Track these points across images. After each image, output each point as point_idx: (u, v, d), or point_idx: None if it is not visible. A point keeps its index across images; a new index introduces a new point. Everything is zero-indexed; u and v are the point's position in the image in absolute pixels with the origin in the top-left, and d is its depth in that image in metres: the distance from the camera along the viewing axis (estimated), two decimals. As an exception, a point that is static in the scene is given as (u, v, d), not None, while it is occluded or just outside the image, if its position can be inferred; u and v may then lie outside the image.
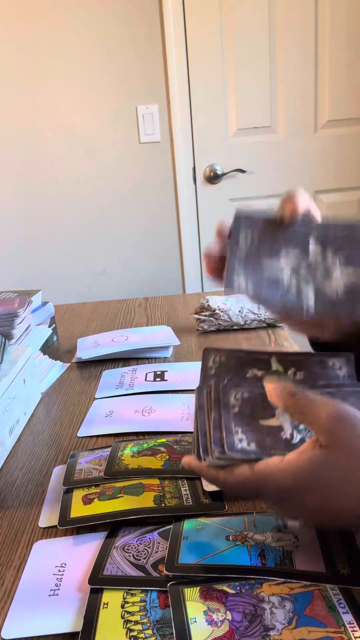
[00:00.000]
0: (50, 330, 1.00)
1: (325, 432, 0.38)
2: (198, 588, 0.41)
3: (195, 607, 0.39)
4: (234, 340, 0.97)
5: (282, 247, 0.46)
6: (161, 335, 0.99)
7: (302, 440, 0.41)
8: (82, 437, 0.69)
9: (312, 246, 0.46)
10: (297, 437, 0.42)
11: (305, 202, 0.47)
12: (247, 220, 0.47)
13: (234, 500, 0.52)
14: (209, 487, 0.53)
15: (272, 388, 0.43)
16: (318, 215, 0.48)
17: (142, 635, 0.38)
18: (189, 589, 0.41)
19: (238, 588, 0.41)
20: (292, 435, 0.42)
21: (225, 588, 0.41)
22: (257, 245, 0.46)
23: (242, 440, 0.41)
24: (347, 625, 0.37)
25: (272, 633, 0.37)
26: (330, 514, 0.40)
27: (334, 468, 0.37)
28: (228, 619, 0.38)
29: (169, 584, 0.41)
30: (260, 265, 0.46)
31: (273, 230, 0.46)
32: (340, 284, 0.44)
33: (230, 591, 0.40)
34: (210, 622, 0.38)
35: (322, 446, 0.38)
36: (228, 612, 0.39)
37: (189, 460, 0.46)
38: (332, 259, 0.45)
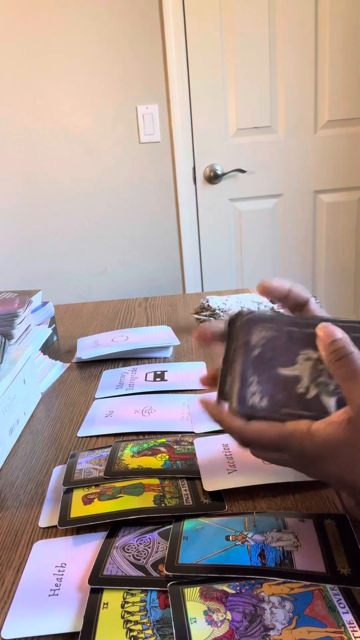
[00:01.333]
0: (50, 330, 0.99)
1: (358, 406, 0.37)
2: (198, 588, 0.41)
3: (195, 607, 0.39)
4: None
5: (300, 348, 0.42)
6: (161, 335, 0.99)
7: (316, 397, 0.40)
8: (82, 437, 0.69)
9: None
10: (312, 392, 0.40)
11: (284, 286, 0.46)
12: (256, 319, 0.42)
13: (250, 450, 0.47)
14: (209, 487, 0.53)
15: (323, 334, 0.40)
16: (306, 294, 0.46)
17: (142, 635, 0.38)
18: (189, 589, 0.41)
19: (238, 588, 0.41)
20: (307, 388, 0.40)
21: (225, 588, 0.41)
22: (272, 346, 0.42)
23: (254, 394, 0.40)
24: (347, 625, 0.37)
25: (272, 633, 0.37)
26: (349, 485, 0.41)
27: (358, 447, 0.38)
28: (228, 619, 0.38)
29: (169, 584, 0.41)
30: (275, 375, 0.41)
31: (289, 325, 0.42)
32: None
33: (230, 591, 0.40)
34: (210, 622, 0.38)
35: (351, 422, 0.38)
36: (228, 612, 0.39)
37: (207, 401, 0.45)
38: None
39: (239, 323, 0.43)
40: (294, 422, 0.40)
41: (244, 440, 0.42)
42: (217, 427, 0.64)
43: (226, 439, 0.62)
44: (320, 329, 0.40)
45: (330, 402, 0.40)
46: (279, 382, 0.40)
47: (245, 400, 0.40)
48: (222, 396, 0.43)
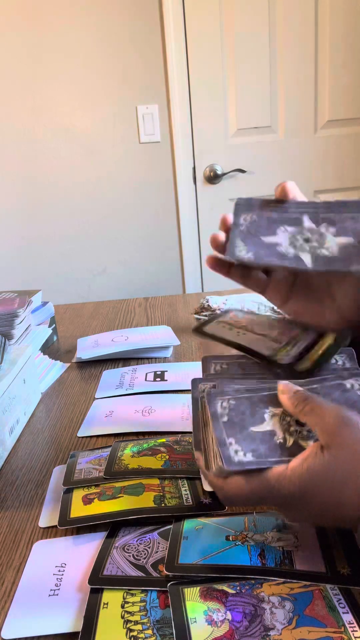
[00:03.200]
0: (50, 330, 1.00)
1: (330, 433, 0.39)
2: (198, 588, 0.41)
3: (195, 607, 0.39)
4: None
5: (279, 225, 0.49)
6: (161, 335, 0.99)
7: (295, 443, 0.42)
8: (82, 437, 0.69)
9: (307, 223, 0.49)
10: (290, 440, 0.42)
11: (294, 188, 0.51)
12: (245, 205, 0.51)
13: (233, 506, 0.51)
14: (209, 487, 0.53)
15: (284, 389, 0.44)
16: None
17: (142, 635, 0.38)
18: (189, 589, 0.41)
19: (238, 588, 0.41)
20: (285, 438, 0.42)
21: (225, 588, 0.41)
22: (256, 224, 0.50)
23: (237, 452, 0.41)
24: (347, 625, 0.37)
25: (272, 633, 0.37)
26: (334, 516, 0.40)
27: (337, 470, 0.38)
28: (228, 619, 0.38)
29: (169, 584, 0.41)
30: (260, 239, 0.49)
31: (270, 211, 0.50)
32: (335, 248, 0.47)
33: (230, 591, 0.40)
34: (210, 622, 0.38)
35: (325, 449, 0.38)
36: (228, 612, 0.39)
37: (200, 460, 0.46)
38: (325, 231, 0.48)
39: (203, 397, 0.47)
40: (270, 469, 0.40)
41: (227, 497, 0.43)
42: None
43: None
44: (282, 387, 0.44)
45: (309, 443, 0.41)
46: (256, 438, 0.42)
47: (231, 458, 0.41)
48: (207, 459, 0.45)
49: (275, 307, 1.01)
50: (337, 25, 2.00)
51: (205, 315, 1.02)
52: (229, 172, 2.13)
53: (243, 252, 0.48)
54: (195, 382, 0.50)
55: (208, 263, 0.53)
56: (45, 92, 2.02)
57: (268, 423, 0.43)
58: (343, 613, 0.38)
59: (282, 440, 0.42)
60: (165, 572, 0.42)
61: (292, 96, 2.08)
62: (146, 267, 2.25)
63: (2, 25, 1.95)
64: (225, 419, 0.44)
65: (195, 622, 0.38)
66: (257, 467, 0.40)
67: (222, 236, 0.50)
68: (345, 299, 0.49)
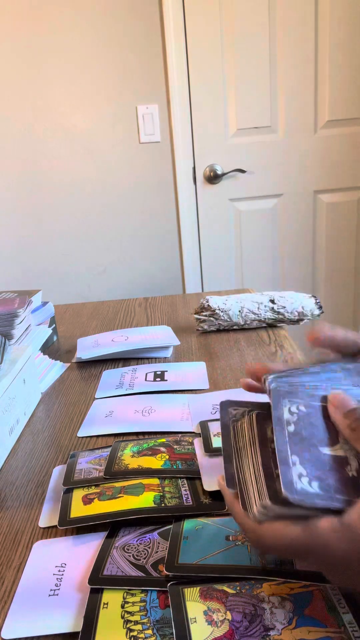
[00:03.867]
0: (50, 330, 1.00)
1: None
2: (198, 588, 0.41)
3: (195, 607, 0.39)
4: (234, 341, 0.97)
5: (336, 429, 0.35)
6: (161, 335, 0.99)
7: None
8: (82, 437, 0.69)
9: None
10: None
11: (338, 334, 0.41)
12: (285, 387, 0.37)
13: (266, 553, 0.42)
14: (209, 487, 0.53)
15: (335, 400, 0.35)
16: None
17: (142, 635, 0.38)
18: (189, 589, 0.41)
19: (238, 588, 0.41)
20: (358, 471, 0.33)
21: (225, 588, 0.41)
22: (306, 427, 0.35)
23: (301, 477, 0.32)
24: (347, 625, 0.37)
25: (272, 633, 0.37)
26: None
27: None
28: (228, 619, 0.38)
29: (169, 584, 0.41)
30: (318, 456, 0.34)
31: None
32: None
33: (230, 591, 0.40)
34: (210, 622, 0.38)
35: None
36: (228, 612, 0.39)
37: (228, 497, 0.38)
38: None
39: (236, 422, 0.38)
40: (315, 519, 0.32)
41: (260, 542, 0.35)
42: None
43: None
44: (332, 397, 0.35)
45: None
46: (325, 463, 0.33)
47: (293, 485, 0.31)
48: (244, 498, 0.35)
49: (276, 307, 1.01)
50: (337, 25, 2.00)
51: (205, 315, 1.02)
52: (229, 172, 2.13)
53: (305, 481, 0.33)
54: (224, 405, 0.41)
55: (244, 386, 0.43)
56: (45, 92, 2.02)
57: (342, 446, 0.34)
58: (343, 613, 0.38)
59: (355, 474, 0.33)
60: (165, 572, 0.42)
61: (292, 96, 2.08)
62: (146, 267, 2.25)
63: (2, 26, 1.95)
64: (291, 428, 0.34)
65: (195, 622, 0.38)
66: (325, 505, 0.31)
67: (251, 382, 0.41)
68: None
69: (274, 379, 0.38)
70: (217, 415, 0.68)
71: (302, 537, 0.32)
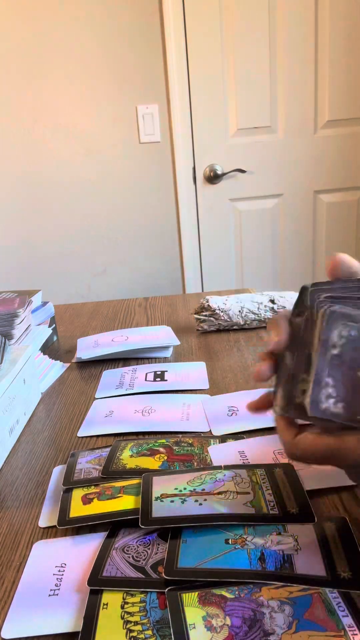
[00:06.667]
0: (50, 330, 0.99)
1: None
2: (197, 593, 0.40)
3: (194, 612, 0.39)
4: (234, 341, 0.97)
5: None
6: (161, 335, 0.99)
7: None
8: (82, 437, 0.69)
9: None
10: None
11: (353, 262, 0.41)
12: (340, 314, 0.36)
13: (299, 462, 0.42)
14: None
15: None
16: None
17: (142, 635, 0.38)
18: (187, 594, 0.40)
19: (237, 592, 0.40)
20: None
21: (224, 592, 0.40)
22: (350, 351, 0.36)
23: (329, 397, 0.34)
24: (347, 629, 0.37)
25: (271, 638, 0.36)
26: None
27: None
28: (227, 625, 0.38)
29: (167, 589, 0.41)
30: (354, 380, 0.36)
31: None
32: None
33: (229, 596, 0.40)
34: (210, 628, 0.38)
35: None
36: (227, 618, 0.38)
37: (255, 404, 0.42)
38: None
39: (321, 313, 0.37)
40: (347, 431, 0.36)
41: (293, 454, 0.39)
42: (233, 430, 0.64)
43: (241, 445, 0.61)
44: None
45: None
46: (358, 387, 0.35)
47: (319, 404, 0.34)
48: (287, 397, 0.38)
49: (276, 307, 1.01)
50: (337, 26, 2.01)
51: (206, 315, 1.02)
52: (229, 172, 2.13)
53: (331, 402, 0.35)
54: (305, 289, 0.40)
55: (250, 409, 0.44)
56: (45, 92, 2.02)
57: None
58: (343, 617, 0.38)
59: None
60: (164, 576, 0.42)
61: (292, 96, 2.08)
62: (146, 267, 2.25)
63: (2, 26, 1.95)
64: (336, 351, 0.35)
65: (194, 628, 0.38)
66: (340, 423, 0.34)
67: (265, 371, 0.41)
68: None
69: (329, 300, 0.38)
70: (234, 418, 0.67)
71: (334, 445, 0.36)
